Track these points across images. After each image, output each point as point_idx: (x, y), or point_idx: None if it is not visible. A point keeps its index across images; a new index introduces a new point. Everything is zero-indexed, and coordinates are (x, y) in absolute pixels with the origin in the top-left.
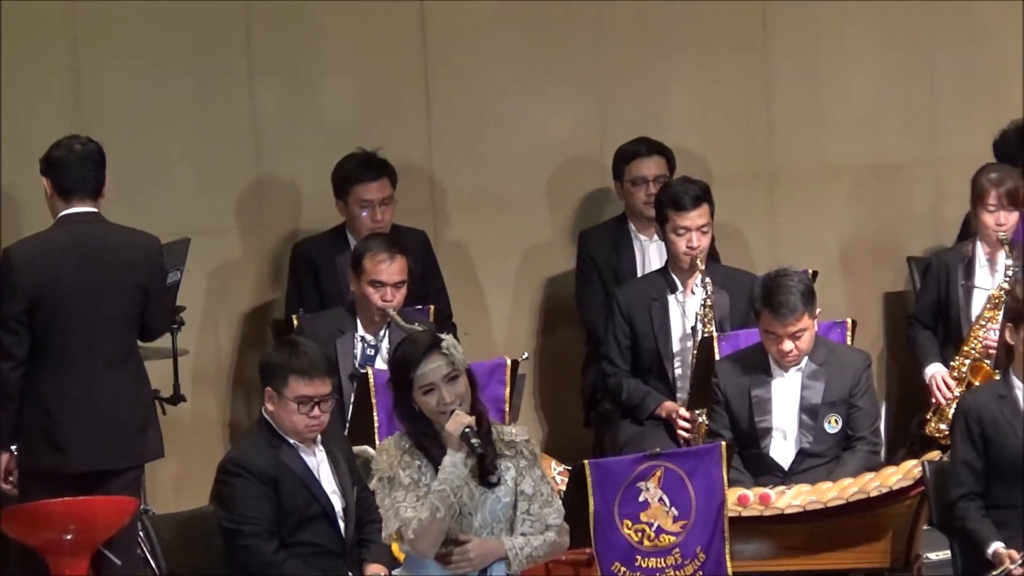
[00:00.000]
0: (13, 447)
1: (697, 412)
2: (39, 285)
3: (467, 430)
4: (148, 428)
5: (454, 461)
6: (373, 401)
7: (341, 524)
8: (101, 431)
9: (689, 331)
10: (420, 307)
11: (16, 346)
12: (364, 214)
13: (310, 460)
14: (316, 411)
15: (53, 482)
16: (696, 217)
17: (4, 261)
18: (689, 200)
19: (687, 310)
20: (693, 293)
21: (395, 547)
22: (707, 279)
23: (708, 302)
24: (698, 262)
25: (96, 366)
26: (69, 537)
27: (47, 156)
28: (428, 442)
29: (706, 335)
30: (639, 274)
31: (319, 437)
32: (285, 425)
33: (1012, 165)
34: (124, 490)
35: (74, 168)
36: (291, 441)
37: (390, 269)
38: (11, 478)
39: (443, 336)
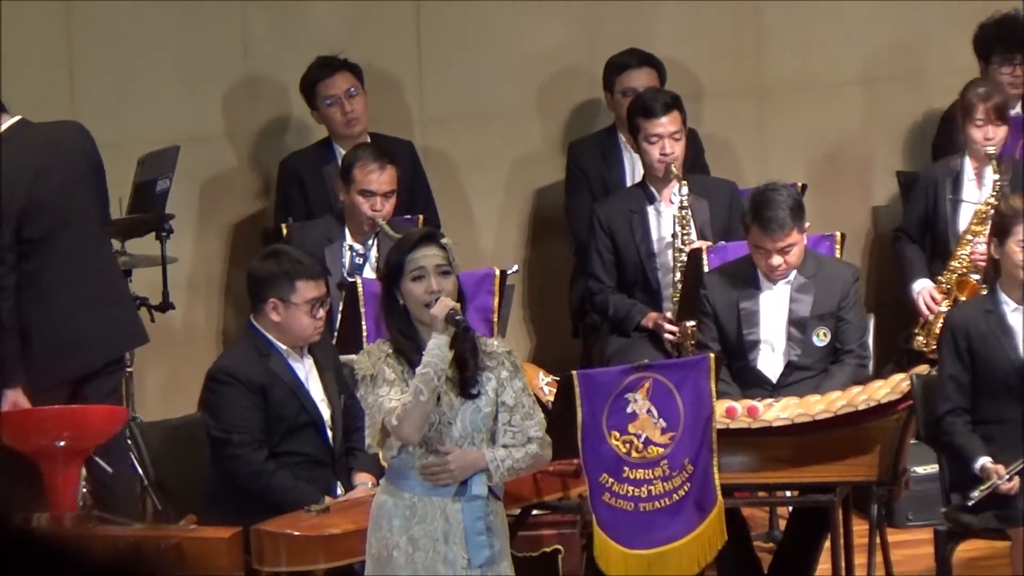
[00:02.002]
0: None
1: (688, 324)
2: (24, 201)
3: (451, 311)
4: (135, 313)
5: (438, 343)
6: (361, 310)
7: (329, 433)
8: (103, 324)
9: (670, 239)
10: (408, 217)
11: (6, 277)
12: (333, 111)
13: (298, 369)
14: (320, 312)
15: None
16: (667, 124)
17: None
18: (659, 107)
19: (665, 220)
20: (671, 203)
21: (380, 455)
22: (682, 183)
23: (684, 203)
24: (673, 169)
25: (87, 262)
26: (62, 444)
27: None
28: (408, 345)
29: (687, 242)
30: (628, 185)
31: (305, 347)
32: (294, 331)
33: (989, 59)
34: (108, 396)
35: None
36: (282, 349)
37: (380, 179)
38: None
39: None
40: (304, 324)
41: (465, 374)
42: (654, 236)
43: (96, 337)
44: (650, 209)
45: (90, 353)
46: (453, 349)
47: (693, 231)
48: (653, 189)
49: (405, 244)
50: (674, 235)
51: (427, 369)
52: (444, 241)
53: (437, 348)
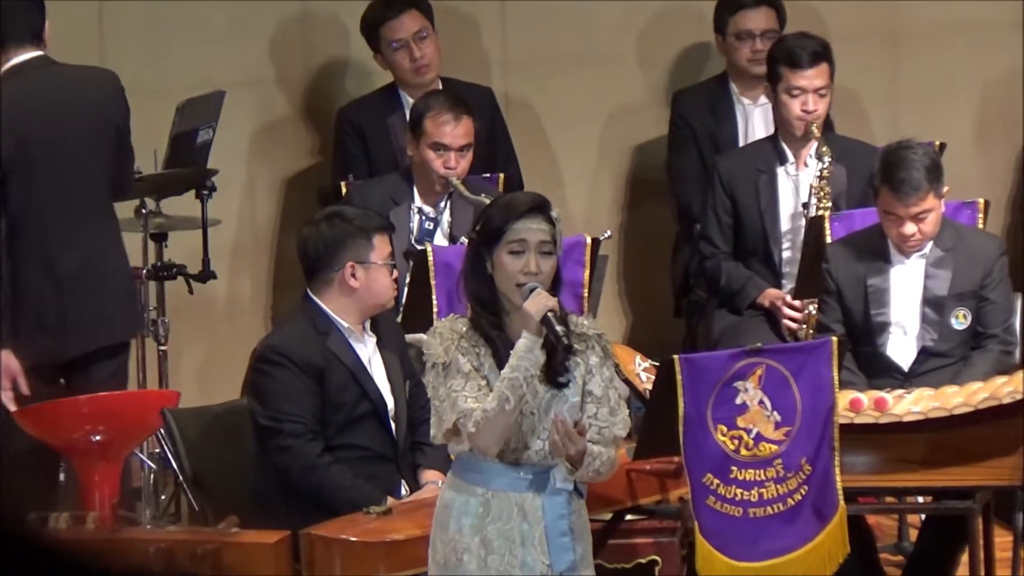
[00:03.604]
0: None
1: (807, 302)
2: (8, 149)
3: (549, 314)
4: (134, 299)
5: (529, 346)
6: (432, 282)
7: (393, 425)
8: (93, 307)
9: (800, 209)
10: (487, 176)
11: None
12: (400, 56)
13: (360, 350)
14: (395, 272)
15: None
16: (813, 77)
17: None
18: (807, 56)
19: (799, 185)
20: (806, 165)
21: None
22: (824, 148)
23: (824, 174)
24: (814, 129)
25: (80, 232)
26: (98, 438)
27: None
28: (490, 323)
29: (819, 214)
30: (741, 142)
31: (368, 324)
32: (379, 295)
33: None
34: (108, 381)
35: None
36: (343, 326)
37: (455, 131)
38: (20, 379)
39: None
40: (388, 285)
41: (553, 361)
42: (781, 202)
43: (66, 324)
44: (780, 171)
45: (56, 340)
46: (544, 347)
47: (831, 207)
48: (786, 147)
49: (512, 210)
50: (806, 205)
51: (516, 374)
52: (554, 215)
53: (528, 352)
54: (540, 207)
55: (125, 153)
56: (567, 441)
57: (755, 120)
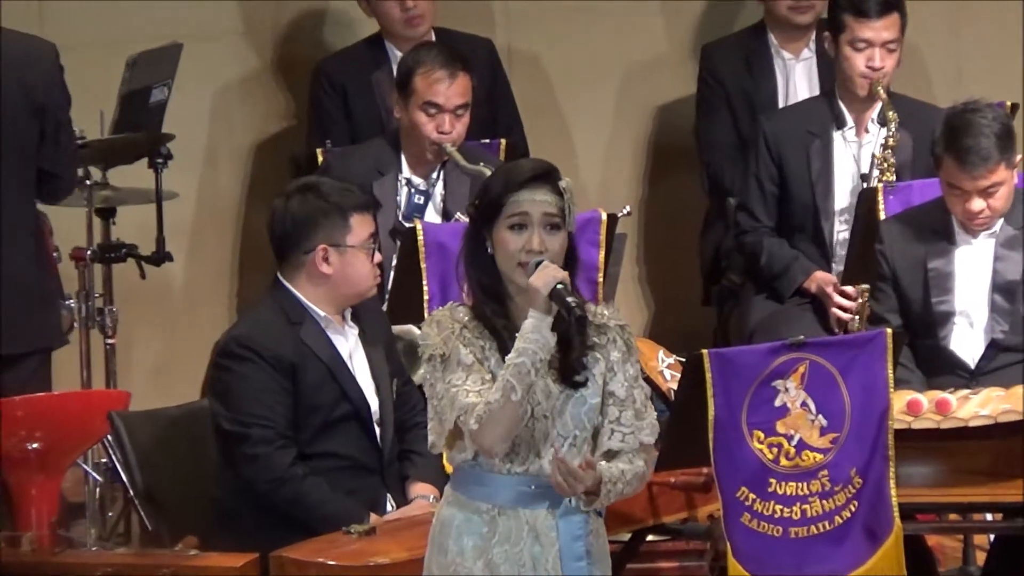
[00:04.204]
0: None
1: (860, 289)
2: None
3: (559, 286)
4: (52, 306)
5: (537, 326)
6: (422, 265)
7: (377, 430)
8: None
9: (859, 181)
10: (487, 141)
11: None
12: (389, 5)
13: (339, 343)
14: (377, 256)
15: None
16: (882, 28)
17: None
18: (875, 5)
19: (859, 154)
20: (867, 131)
21: (444, 457)
22: (891, 113)
23: (890, 143)
24: (879, 89)
25: None
26: (35, 446)
27: None
28: (492, 308)
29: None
30: (781, 104)
31: (349, 313)
32: (356, 283)
33: None
34: (29, 381)
35: None
36: (319, 315)
37: (449, 90)
38: None
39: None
40: (367, 272)
41: (569, 356)
42: (837, 172)
43: None
44: (837, 136)
45: None
46: (556, 332)
47: (893, 174)
48: (844, 109)
49: (511, 178)
50: (865, 177)
51: (522, 359)
52: (563, 184)
53: (536, 332)
54: (545, 175)
55: (58, 146)
56: (572, 481)
57: (797, 78)
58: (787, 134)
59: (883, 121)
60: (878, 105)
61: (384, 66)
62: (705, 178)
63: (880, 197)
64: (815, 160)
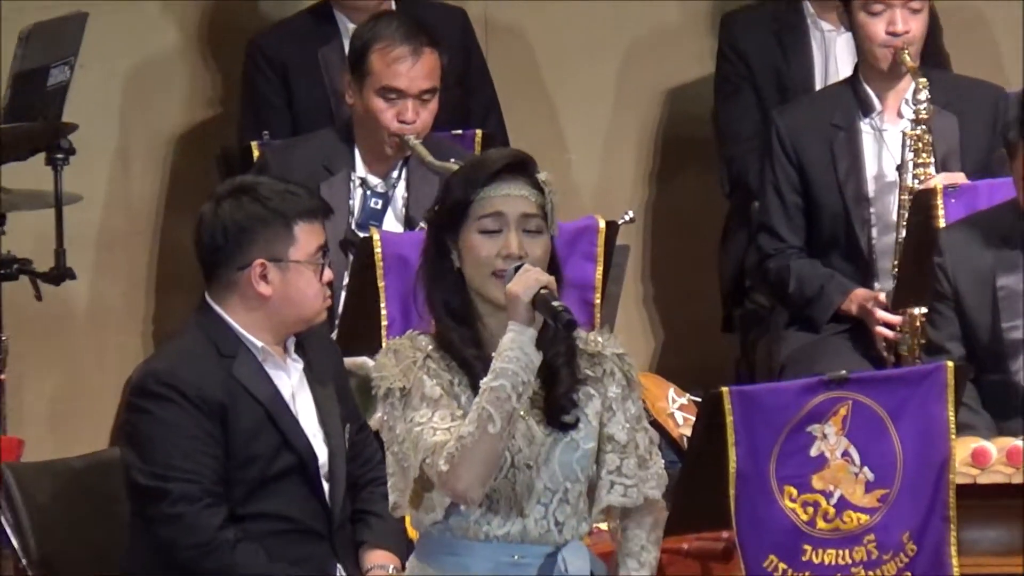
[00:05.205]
0: None
1: (916, 312)
2: None
3: (544, 291)
4: None
5: (519, 341)
6: (380, 284)
7: (326, 485)
8: None
9: (894, 173)
10: (459, 132)
11: None
12: None
13: (280, 380)
14: (327, 273)
15: None
16: None
17: None
18: None
19: (891, 144)
20: (900, 116)
21: (408, 520)
22: (921, 80)
23: (922, 116)
24: (906, 57)
25: None
26: None
27: None
28: (461, 335)
29: (921, 178)
30: (819, 85)
31: (292, 344)
32: (300, 306)
33: None
34: None
35: None
36: (256, 346)
37: (412, 71)
38: None
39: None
40: (314, 292)
41: (556, 392)
42: (869, 169)
43: None
44: (864, 125)
45: None
46: (542, 351)
47: (933, 164)
48: (870, 91)
49: (479, 171)
50: (900, 167)
51: (500, 381)
52: (542, 177)
53: (518, 348)
54: (519, 165)
55: None
56: None
57: (839, 52)
58: (806, 129)
59: (914, 97)
60: (911, 84)
61: (333, 41)
62: (725, 176)
63: (939, 201)
64: (841, 158)
